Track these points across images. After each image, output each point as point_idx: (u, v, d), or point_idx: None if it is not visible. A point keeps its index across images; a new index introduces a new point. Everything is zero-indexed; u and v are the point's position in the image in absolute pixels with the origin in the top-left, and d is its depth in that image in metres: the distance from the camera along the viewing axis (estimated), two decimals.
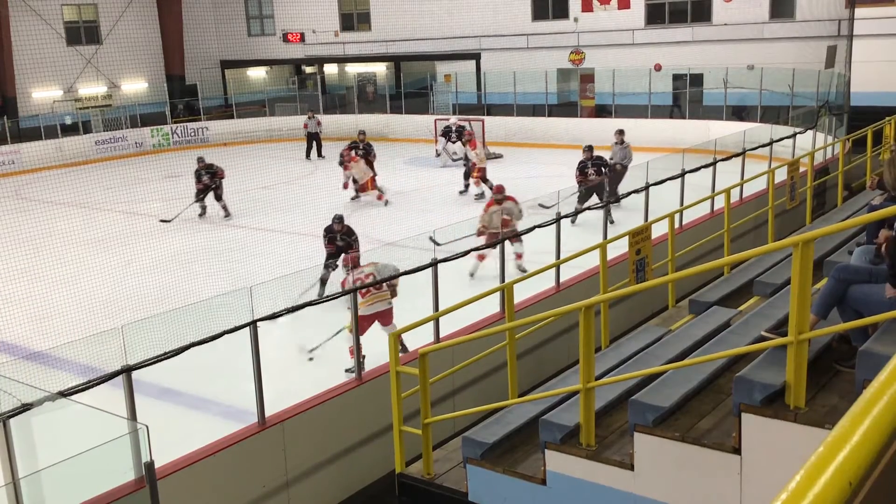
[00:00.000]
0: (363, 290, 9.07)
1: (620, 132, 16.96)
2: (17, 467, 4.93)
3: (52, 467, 4.77)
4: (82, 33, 33.37)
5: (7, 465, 4.90)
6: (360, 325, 8.36)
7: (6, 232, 15.61)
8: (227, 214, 18.51)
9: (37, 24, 31.42)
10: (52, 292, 12.52)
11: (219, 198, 18.51)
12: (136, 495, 5.36)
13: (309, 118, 28.00)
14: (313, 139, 27.14)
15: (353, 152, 20.05)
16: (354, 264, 9.73)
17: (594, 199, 13.59)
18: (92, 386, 5.35)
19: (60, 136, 29.27)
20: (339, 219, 12.24)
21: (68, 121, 30.61)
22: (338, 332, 9.31)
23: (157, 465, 5.34)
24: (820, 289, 5.09)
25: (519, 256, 12.26)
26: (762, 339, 4.95)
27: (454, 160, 24.69)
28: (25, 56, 30.78)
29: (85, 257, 14.70)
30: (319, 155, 26.83)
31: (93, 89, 33.58)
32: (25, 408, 4.91)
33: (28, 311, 12.14)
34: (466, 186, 19.74)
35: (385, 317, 9.43)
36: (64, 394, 5.16)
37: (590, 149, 15.60)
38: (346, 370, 8.77)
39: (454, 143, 24.74)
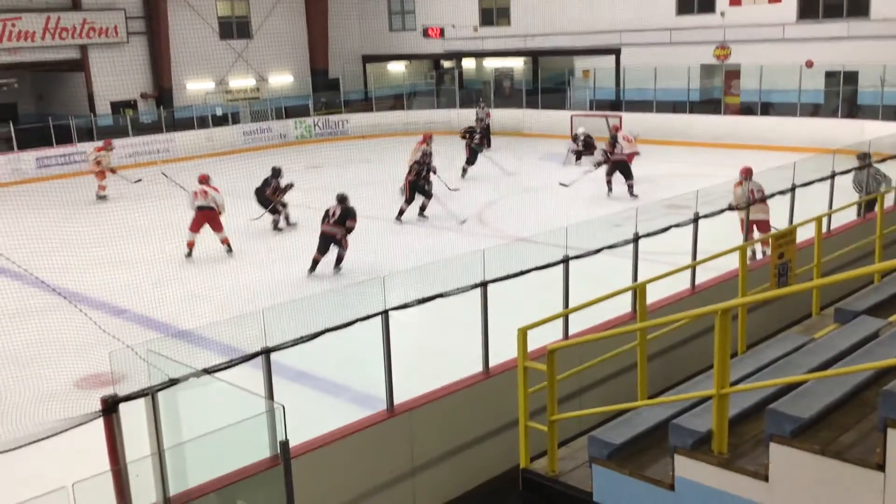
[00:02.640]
0: (196, 192, 15.13)
1: None
2: (164, 439, 5.22)
3: (194, 440, 5.04)
4: (234, 28, 34.94)
5: (154, 436, 5.19)
6: (196, 219, 15.02)
7: (160, 218, 16.57)
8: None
9: (193, 18, 33.12)
10: (200, 276, 13.19)
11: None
12: (270, 472, 5.58)
13: (480, 108, 28.35)
14: (485, 130, 27.30)
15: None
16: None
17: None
18: (234, 365, 5.61)
19: (211, 126, 30.80)
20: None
21: (219, 112, 32.15)
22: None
23: (290, 445, 5.53)
24: None
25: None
26: None
27: (576, 161, 24.45)
28: (181, 49, 32.54)
29: (232, 244, 15.42)
30: (488, 146, 26.97)
31: (242, 82, 35.14)
32: (172, 382, 5.20)
33: (179, 292, 12.84)
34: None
35: (213, 221, 15.06)
36: (208, 371, 5.43)
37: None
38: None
39: (580, 151, 24.52)
